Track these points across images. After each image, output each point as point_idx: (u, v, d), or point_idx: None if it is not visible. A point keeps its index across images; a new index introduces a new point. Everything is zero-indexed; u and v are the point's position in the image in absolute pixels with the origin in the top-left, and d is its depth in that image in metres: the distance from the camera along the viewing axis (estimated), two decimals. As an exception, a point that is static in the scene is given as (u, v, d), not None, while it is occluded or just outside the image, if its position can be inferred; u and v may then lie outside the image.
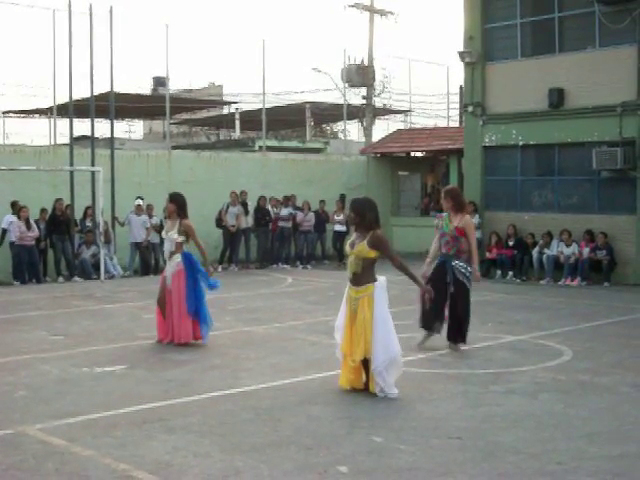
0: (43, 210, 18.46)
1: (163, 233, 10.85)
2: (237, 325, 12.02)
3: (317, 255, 22.49)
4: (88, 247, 18.85)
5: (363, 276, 7.70)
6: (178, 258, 10.37)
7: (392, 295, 7.82)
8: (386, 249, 7.79)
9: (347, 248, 7.88)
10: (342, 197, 23.03)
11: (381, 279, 7.74)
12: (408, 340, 10.05)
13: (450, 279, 9.89)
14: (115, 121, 21.28)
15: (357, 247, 7.71)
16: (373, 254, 7.69)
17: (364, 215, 7.79)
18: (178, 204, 10.52)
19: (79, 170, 19.26)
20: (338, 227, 22.09)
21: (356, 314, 7.65)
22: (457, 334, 10.04)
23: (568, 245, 17.88)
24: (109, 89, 20.37)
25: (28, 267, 17.84)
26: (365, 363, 7.65)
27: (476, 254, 10.10)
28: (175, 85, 38.33)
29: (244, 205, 20.87)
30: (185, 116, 37.42)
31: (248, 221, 20.90)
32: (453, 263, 9.88)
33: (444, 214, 10.19)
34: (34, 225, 17.90)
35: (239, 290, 16.37)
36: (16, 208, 17.83)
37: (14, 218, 17.73)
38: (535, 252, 18.43)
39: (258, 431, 6.49)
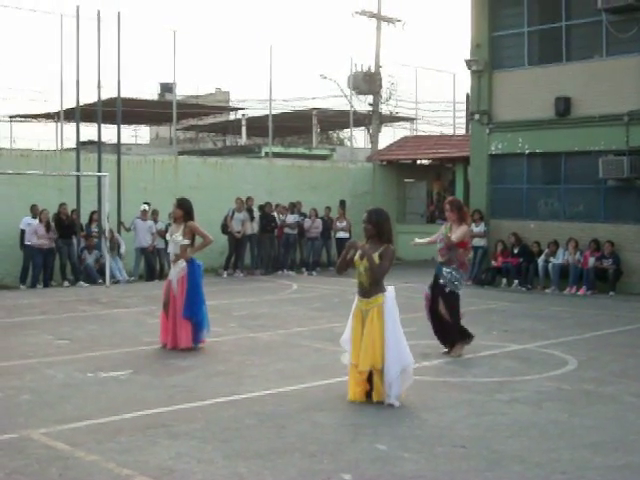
0: (54, 215, 18.52)
1: (167, 235, 10.89)
2: (242, 331, 12.02)
3: (322, 262, 22.50)
4: (90, 252, 18.88)
5: (373, 287, 7.66)
6: (183, 263, 10.40)
7: (398, 303, 7.79)
8: (386, 261, 7.64)
9: (357, 259, 7.74)
10: (342, 203, 23.01)
11: (390, 289, 7.70)
12: (413, 347, 10.02)
13: (433, 284, 10.18)
14: (122, 126, 21.34)
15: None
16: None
17: (382, 227, 7.71)
18: (185, 209, 10.57)
19: (86, 175, 19.32)
20: (341, 234, 22.05)
21: (364, 325, 7.60)
22: (446, 337, 10.15)
23: (571, 253, 17.85)
24: (116, 94, 20.44)
25: (41, 270, 17.89)
26: (370, 374, 7.61)
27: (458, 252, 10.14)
28: (182, 91, 38.36)
29: (250, 211, 20.86)
30: (192, 122, 37.55)
31: (254, 227, 20.89)
32: (443, 269, 10.11)
33: (448, 223, 10.33)
34: (54, 228, 18.01)
35: (244, 296, 16.38)
36: (35, 211, 17.92)
37: (32, 220, 17.83)
38: (541, 260, 18.40)
39: (262, 437, 6.48)
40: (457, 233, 10.07)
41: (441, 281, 10.04)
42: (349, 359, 7.80)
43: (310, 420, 7.03)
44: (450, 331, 10.13)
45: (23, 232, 17.90)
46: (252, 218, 20.84)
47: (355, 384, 7.70)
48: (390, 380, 7.49)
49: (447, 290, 10.02)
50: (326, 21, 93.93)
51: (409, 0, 60.32)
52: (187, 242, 10.47)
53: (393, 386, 7.51)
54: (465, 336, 10.27)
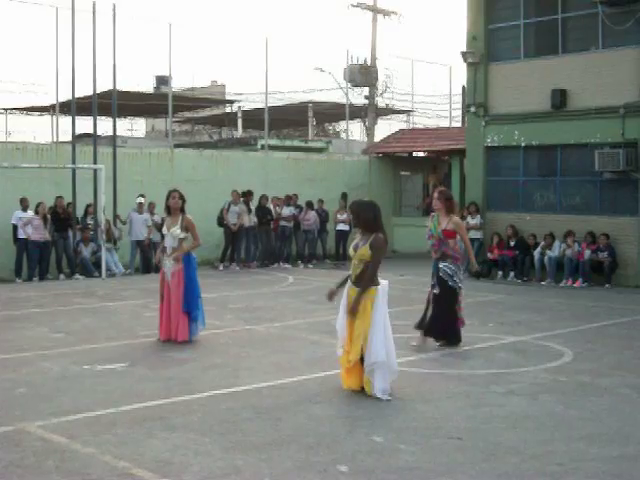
0: (50, 208, 18.47)
1: (164, 229, 10.80)
2: (238, 324, 12.03)
3: (318, 254, 22.48)
4: (86, 245, 18.85)
5: (361, 277, 7.69)
6: (179, 257, 10.37)
7: (394, 295, 7.81)
8: (376, 254, 7.66)
9: (351, 250, 7.87)
10: (344, 196, 22.98)
11: (383, 283, 7.72)
12: (409, 340, 10.07)
13: (435, 280, 10.07)
14: (117, 119, 21.31)
15: (360, 250, 7.71)
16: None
17: (358, 215, 7.87)
18: (184, 200, 10.55)
19: (81, 168, 19.28)
20: (341, 226, 22.06)
21: (355, 315, 7.65)
22: (441, 333, 10.12)
23: (570, 246, 17.86)
24: (112, 87, 20.38)
25: (37, 263, 17.87)
26: (362, 363, 7.64)
27: (470, 249, 10.47)
28: (178, 83, 38.26)
29: (247, 204, 20.84)
30: (187, 114, 37.45)
31: (251, 219, 20.86)
32: (440, 265, 10.06)
33: (434, 215, 10.32)
34: (50, 222, 17.99)
35: (240, 289, 16.38)
36: (25, 204, 17.88)
37: (23, 214, 17.80)
38: (537, 253, 18.41)
39: (259, 430, 6.49)
40: (454, 224, 10.10)
41: (440, 274, 10.02)
42: (342, 340, 7.85)
43: (306, 412, 7.04)
44: (447, 327, 10.10)
45: (15, 226, 17.85)
46: (250, 211, 20.82)
47: (346, 372, 7.78)
48: (366, 370, 7.54)
49: (449, 284, 10.01)
50: (322, 13, 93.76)
51: (405, -8, 60.11)
52: (185, 235, 10.45)
53: (376, 379, 7.53)
54: (458, 339, 10.28)
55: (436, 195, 10.38)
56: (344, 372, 7.82)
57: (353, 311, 7.60)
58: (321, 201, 22.60)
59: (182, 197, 10.56)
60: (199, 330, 10.52)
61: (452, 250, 10.10)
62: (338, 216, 22.25)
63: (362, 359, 7.62)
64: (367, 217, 7.79)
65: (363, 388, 7.70)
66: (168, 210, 10.67)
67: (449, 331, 10.16)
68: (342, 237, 21.88)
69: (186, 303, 10.28)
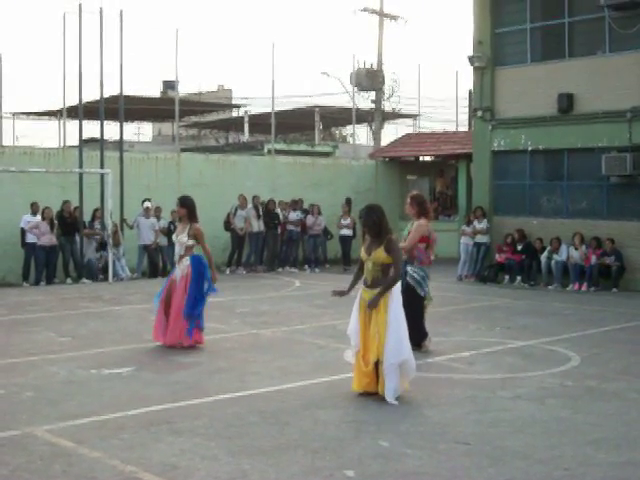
0: (57, 212, 18.52)
1: (174, 237, 10.84)
2: (244, 328, 12.03)
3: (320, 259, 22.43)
4: (96, 248, 18.89)
5: (380, 280, 7.74)
6: (187, 261, 10.39)
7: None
8: (397, 257, 7.80)
9: (363, 254, 7.88)
10: (348, 201, 22.96)
11: (397, 284, 7.77)
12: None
13: (402, 284, 9.90)
14: (124, 123, 21.34)
15: (375, 254, 7.73)
16: (391, 259, 7.72)
17: (380, 225, 7.77)
18: (188, 208, 10.54)
19: (88, 172, 19.32)
20: (345, 231, 22.00)
21: (370, 317, 7.66)
22: (416, 343, 9.98)
23: (577, 249, 17.81)
24: (119, 92, 20.44)
25: (45, 267, 17.91)
26: (377, 366, 7.64)
27: (405, 251, 9.88)
28: (184, 88, 38.49)
29: (257, 209, 20.83)
30: (194, 119, 37.54)
31: (260, 225, 20.86)
32: (407, 268, 9.94)
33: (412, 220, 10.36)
34: (57, 226, 18.04)
35: (247, 293, 16.38)
36: (35, 208, 17.94)
37: (32, 218, 17.86)
38: (543, 257, 18.38)
39: (265, 434, 6.49)
40: (410, 235, 10.05)
41: (408, 279, 9.90)
42: (355, 346, 7.84)
43: (313, 417, 7.04)
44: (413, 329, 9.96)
45: (23, 230, 17.91)
46: (259, 216, 20.82)
47: (362, 375, 7.75)
48: (386, 371, 7.53)
49: (419, 292, 9.93)
50: (328, 18, 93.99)
51: (411, -3, 60.36)
52: (193, 242, 10.45)
53: (391, 378, 7.53)
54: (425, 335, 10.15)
55: (408, 201, 10.40)
56: (358, 374, 7.79)
57: (372, 306, 7.59)
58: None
59: (185, 205, 10.55)
60: (195, 334, 10.32)
61: (419, 252, 10.07)
62: (342, 221, 22.16)
63: (377, 361, 7.62)
64: (385, 223, 7.80)
65: (377, 391, 7.69)
66: (180, 217, 10.75)
67: (420, 333, 9.93)
68: (346, 242, 21.84)
69: (188, 308, 10.24)
